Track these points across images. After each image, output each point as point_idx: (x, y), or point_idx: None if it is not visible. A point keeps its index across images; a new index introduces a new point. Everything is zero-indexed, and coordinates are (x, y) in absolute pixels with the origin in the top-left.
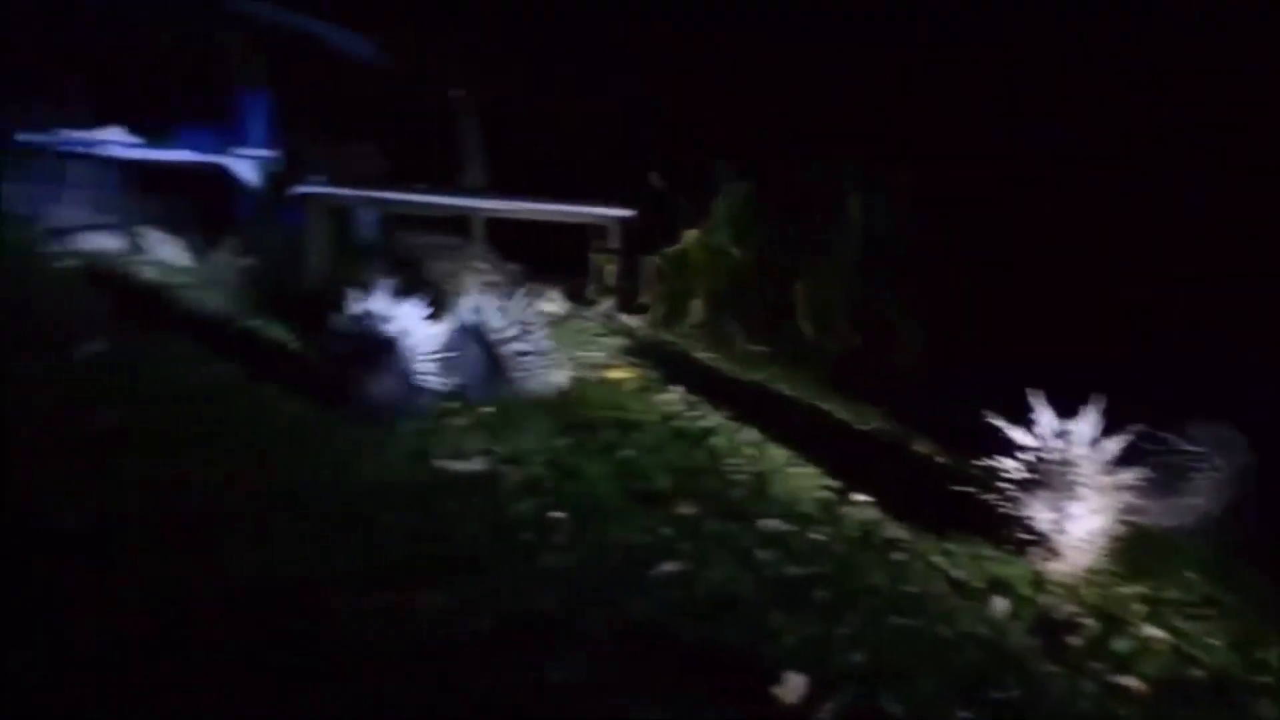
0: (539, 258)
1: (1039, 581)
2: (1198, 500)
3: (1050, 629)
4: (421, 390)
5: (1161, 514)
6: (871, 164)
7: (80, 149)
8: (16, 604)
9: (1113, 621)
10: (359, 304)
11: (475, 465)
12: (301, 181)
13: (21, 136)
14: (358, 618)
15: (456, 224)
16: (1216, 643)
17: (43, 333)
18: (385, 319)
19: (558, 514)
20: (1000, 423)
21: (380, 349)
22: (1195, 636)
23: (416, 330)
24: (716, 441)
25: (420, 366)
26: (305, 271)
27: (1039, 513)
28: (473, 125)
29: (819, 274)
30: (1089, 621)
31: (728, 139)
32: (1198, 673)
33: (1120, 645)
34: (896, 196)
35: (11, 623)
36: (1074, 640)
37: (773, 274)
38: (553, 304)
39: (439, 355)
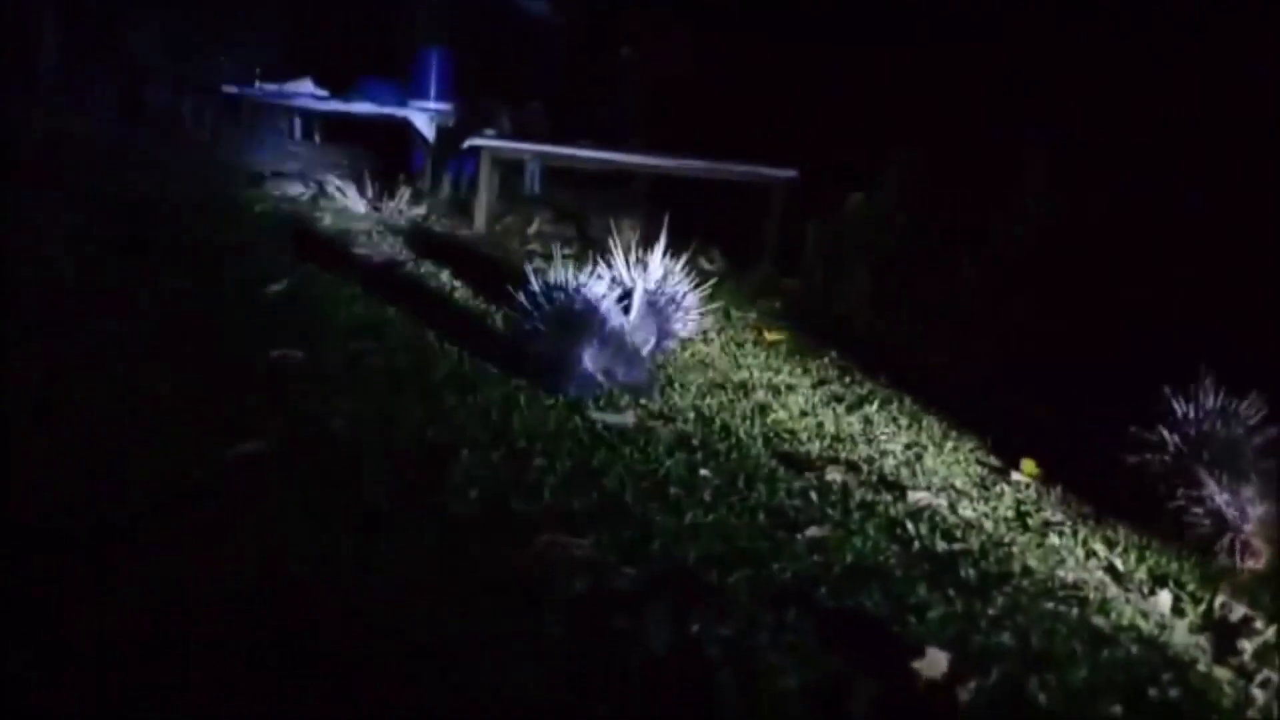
0: (702, 216)
1: (1209, 576)
2: None
3: (1218, 629)
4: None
5: None
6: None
7: (274, 99)
8: (207, 511)
9: None
10: (549, 275)
11: (628, 419)
12: (475, 134)
13: (225, 88)
14: (522, 559)
15: (621, 180)
16: None
17: (237, 273)
18: (582, 293)
19: (706, 471)
20: (1175, 403)
21: (587, 327)
22: None
23: (612, 308)
24: (870, 409)
25: (617, 345)
26: (475, 220)
27: (1211, 500)
28: (641, 83)
29: (989, 248)
30: (1263, 625)
31: (900, 107)
32: None
33: None
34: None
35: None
36: (1245, 644)
37: (940, 245)
38: (713, 264)
39: (629, 329)
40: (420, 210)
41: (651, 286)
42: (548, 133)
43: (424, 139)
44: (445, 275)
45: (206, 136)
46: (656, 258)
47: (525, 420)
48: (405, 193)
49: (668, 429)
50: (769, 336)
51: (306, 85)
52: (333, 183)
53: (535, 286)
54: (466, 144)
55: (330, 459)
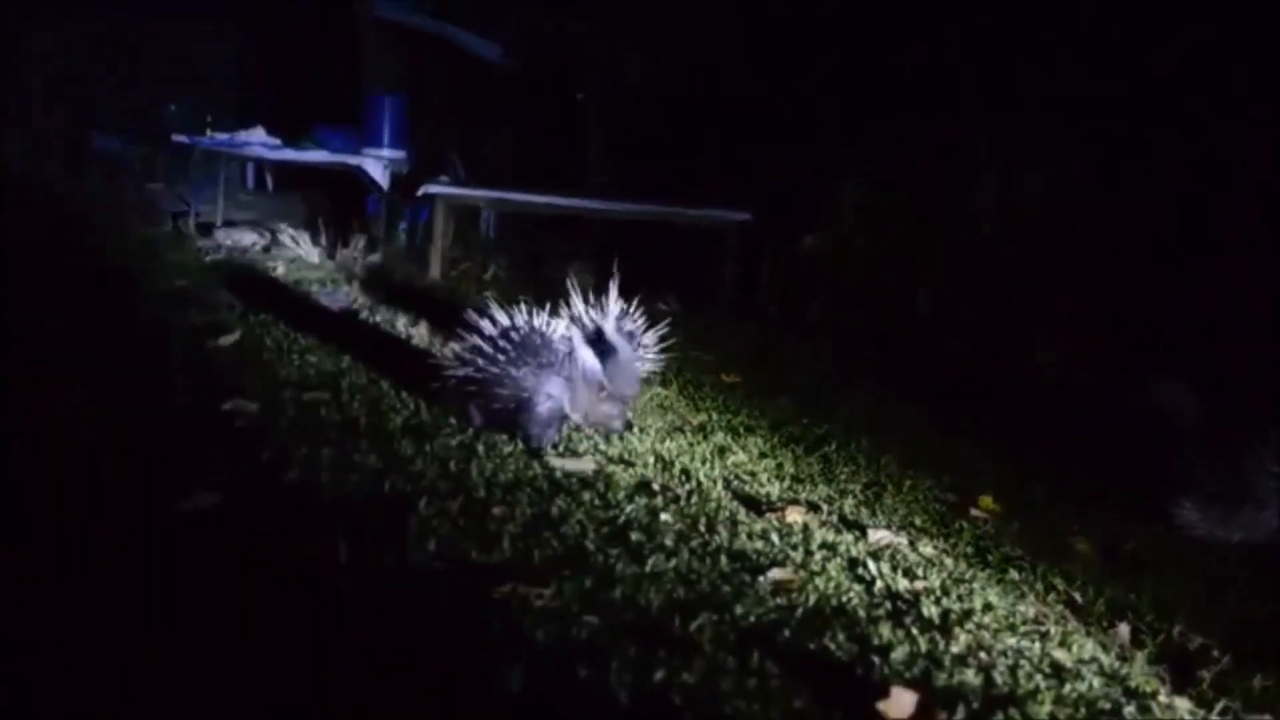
0: (658, 260)
1: (1166, 608)
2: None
3: (1177, 660)
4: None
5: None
6: (1007, 156)
7: (225, 148)
8: (139, 580)
9: (1248, 655)
10: (508, 317)
11: (587, 465)
12: (429, 181)
13: (175, 137)
14: (478, 611)
15: (578, 225)
16: None
17: (189, 322)
18: (546, 335)
19: (666, 516)
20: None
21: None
22: None
23: (581, 351)
24: (829, 449)
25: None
26: (430, 268)
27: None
28: (595, 127)
29: (946, 275)
30: (1220, 654)
31: (849, 138)
32: None
33: (1256, 681)
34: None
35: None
36: (1203, 673)
37: (896, 276)
38: (669, 306)
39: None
40: (375, 258)
41: (610, 328)
42: (503, 179)
43: (378, 186)
44: (401, 323)
45: (158, 186)
46: (616, 306)
47: (484, 468)
48: (360, 241)
49: (628, 474)
50: (727, 378)
51: (258, 134)
52: (286, 232)
53: (494, 331)
54: (421, 191)
55: (285, 511)
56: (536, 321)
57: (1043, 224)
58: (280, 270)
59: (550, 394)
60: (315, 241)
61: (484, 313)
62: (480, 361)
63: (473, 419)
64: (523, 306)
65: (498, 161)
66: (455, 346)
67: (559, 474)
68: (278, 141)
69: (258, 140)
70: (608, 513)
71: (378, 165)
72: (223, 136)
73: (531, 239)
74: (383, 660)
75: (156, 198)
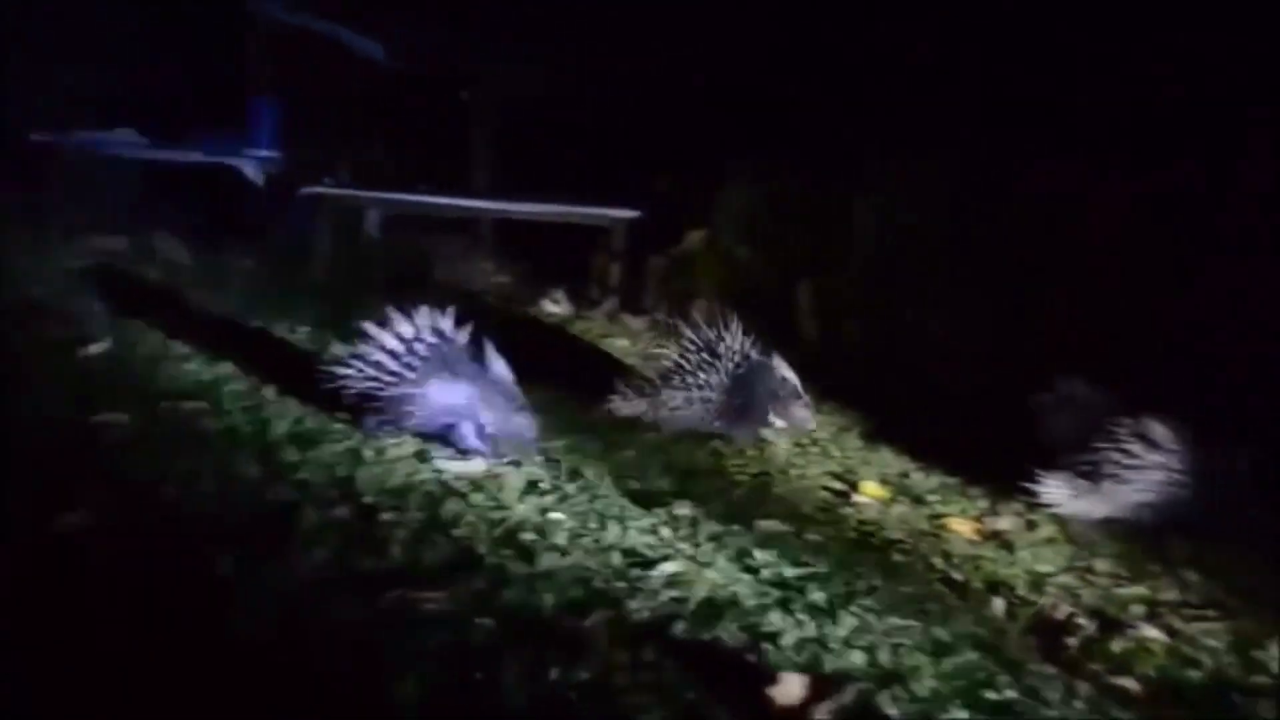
0: (548, 258)
1: (1037, 581)
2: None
3: (1047, 630)
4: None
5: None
6: (892, 161)
7: (91, 149)
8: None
9: (1110, 622)
10: (412, 325)
11: (476, 466)
12: (309, 182)
13: (36, 136)
14: (367, 618)
15: (467, 224)
16: (1215, 643)
17: (51, 333)
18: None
19: (557, 515)
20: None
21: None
22: (1193, 637)
23: (495, 361)
24: (718, 442)
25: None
26: (312, 271)
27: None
28: (481, 126)
29: (828, 274)
30: (1086, 622)
31: (737, 136)
32: (1194, 674)
33: (1117, 646)
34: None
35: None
36: (1071, 641)
37: (781, 274)
38: (559, 305)
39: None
40: (253, 262)
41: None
42: (389, 179)
43: (256, 188)
44: (283, 328)
45: (16, 189)
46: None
47: (371, 474)
48: (237, 244)
49: (518, 474)
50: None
51: (128, 134)
52: (158, 236)
53: (392, 343)
54: (302, 193)
55: (163, 527)
56: (445, 328)
57: (928, 224)
58: (151, 275)
59: (463, 407)
60: (189, 246)
61: (385, 323)
62: (386, 377)
63: (368, 427)
64: (428, 312)
65: (384, 162)
66: (352, 358)
67: (448, 476)
68: (148, 141)
69: (127, 140)
70: (499, 514)
71: (255, 166)
72: (89, 136)
73: (422, 240)
74: (269, 674)
75: (12, 201)
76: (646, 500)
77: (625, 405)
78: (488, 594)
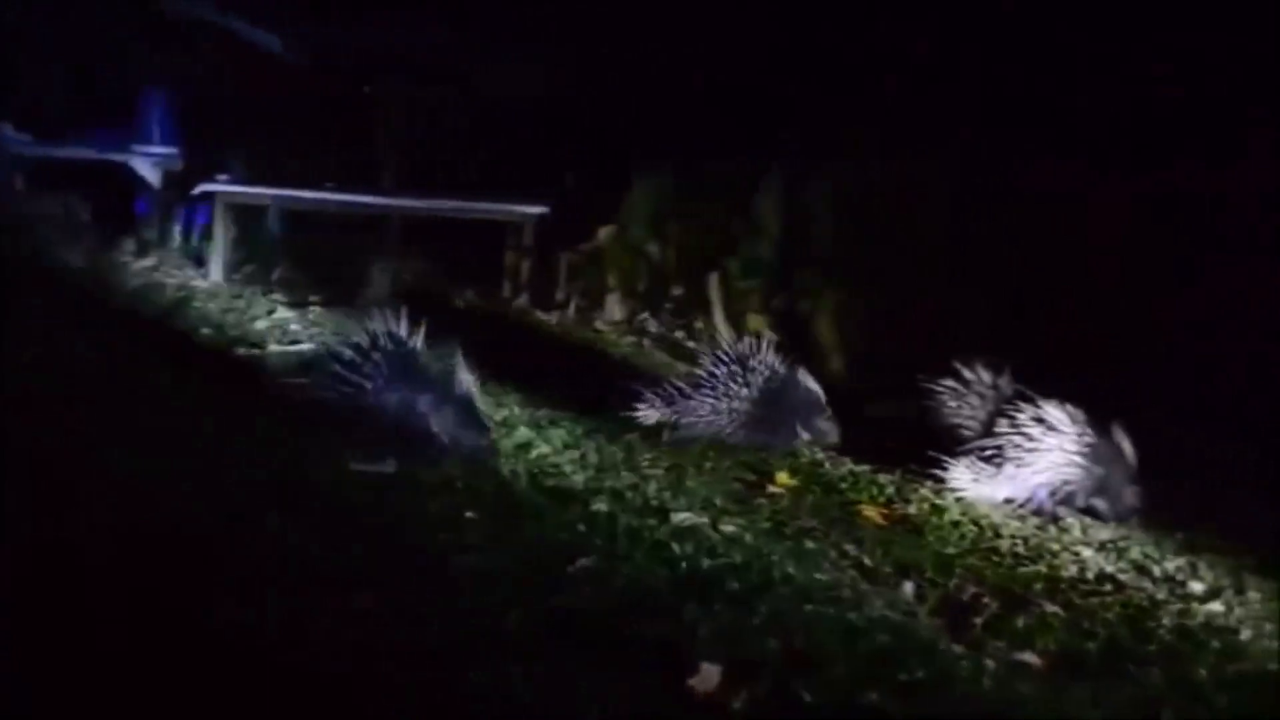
0: (455, 255)
1: (945, 563)
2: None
3: (954, 610)
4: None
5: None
6: (797, 159)
7: None
8: None
9: (1013, 600)
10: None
11: (388, 467)
12: (206, 180)
13: None
14: (284, 624)
15: (372, 222)
16: (1109, 616)
17: None
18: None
19: (472, 513)
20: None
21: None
22: (1090, 610)
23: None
24: (632, 437)
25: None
26: (210, 270)
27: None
28: (386, 122)
29: (735, 270)
30: (991, 601)
31: (646, 132)
32: (1091, 645)
33: (1020, 622)
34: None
35: None
36: (977, 620)
37: (689, 269)
38: (467, 303)
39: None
40: (148, 262)
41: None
42: (291, 176)
43: (149, 186)
44: (180, 329)
45: None
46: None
47: (276, 476)
48: (129, 244)
49: (431, 473)
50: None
51: (5, 129)
52: (44, 236)
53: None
54: (198, 190)
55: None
56: (403, 336)
57: (827, 222)
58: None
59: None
60: (77, 246)
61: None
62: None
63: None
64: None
65: (285, 158)
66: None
67: (360, 477)
68: (29, 137)
69: (8, 136)
70: (413, 514)
71: (148, 163)
72: None
73: (326, 238)
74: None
75: None
76: (563, 498)
77: (654, 411)
78: (404, 595)
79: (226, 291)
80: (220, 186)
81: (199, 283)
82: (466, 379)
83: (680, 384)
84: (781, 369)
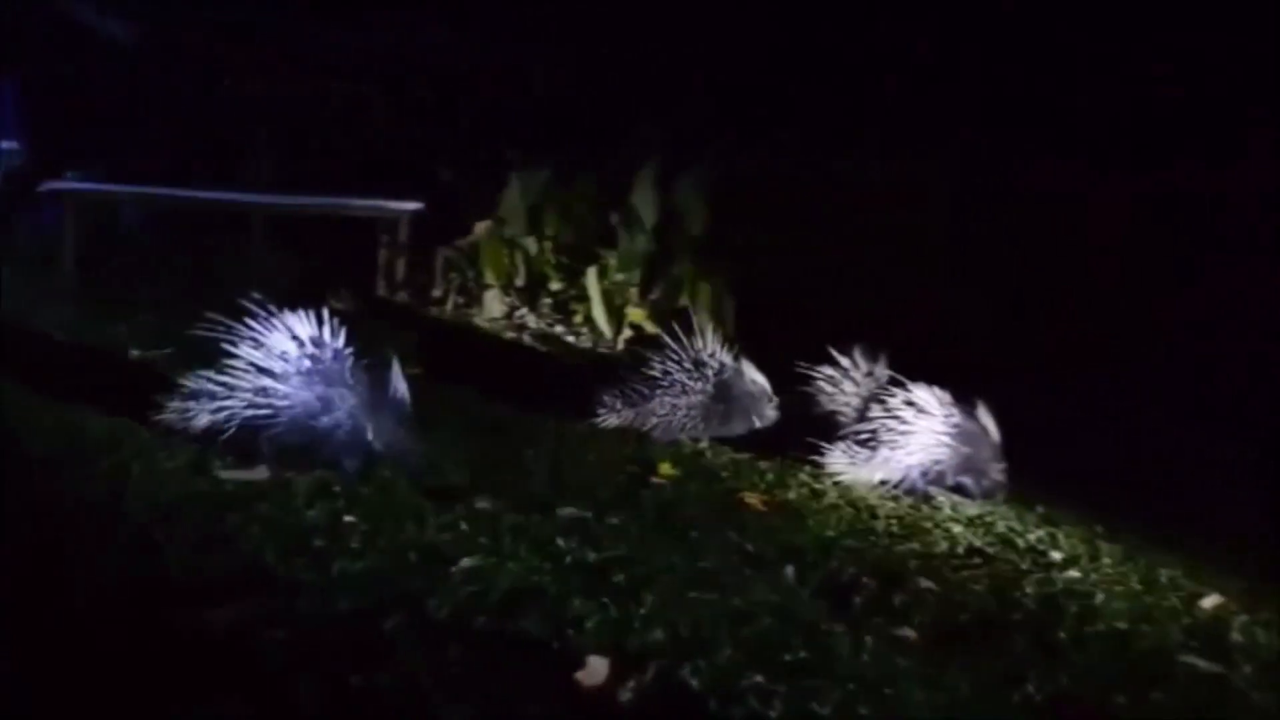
0: (327, 254)
1: (825, 546)
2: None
3: (835, 591)
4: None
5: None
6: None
7: None
8: None
9: (890, 578)
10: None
11: (260, 474)
12: (55, 176)
13: None
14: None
15: (239, 220)
16: (978, 588)
17: None
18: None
19: (350, 518)
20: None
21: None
22: (961, 584)
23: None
24: (514, 431)
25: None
26: (60, 274)
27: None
28: (254, 117)
29: (612, 262)
30: (869, 580)
31: (524, 126)
32: (963, 617)
33: (897, 599)
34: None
35: None
36: (856, 599)
37: (567, 264)
38: (342, 303)
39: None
40: None
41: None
42: (151, 172)
43: None
44: (29, 332)
45: None
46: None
47: (142, 488)
48: None
49: (305, 479)
50: (407, 370)
51: None
52: None
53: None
54: (45, 188)
55: None
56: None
57: (700, 214)
58: None
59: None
60: None
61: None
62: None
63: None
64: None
65: (144, 154)
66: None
67: (230, 486)
68: None
69: None
70: (287, 521)
71: None
72: None
73: (190, 237)
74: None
75: None
76: (443, 496)
77: (614, 416)
78: (280, 605)
79: (78, 295)
80: (68, 184)
81: (50, 286)
82: (403, 389)
83: (639, 386)
84: (729, 361)
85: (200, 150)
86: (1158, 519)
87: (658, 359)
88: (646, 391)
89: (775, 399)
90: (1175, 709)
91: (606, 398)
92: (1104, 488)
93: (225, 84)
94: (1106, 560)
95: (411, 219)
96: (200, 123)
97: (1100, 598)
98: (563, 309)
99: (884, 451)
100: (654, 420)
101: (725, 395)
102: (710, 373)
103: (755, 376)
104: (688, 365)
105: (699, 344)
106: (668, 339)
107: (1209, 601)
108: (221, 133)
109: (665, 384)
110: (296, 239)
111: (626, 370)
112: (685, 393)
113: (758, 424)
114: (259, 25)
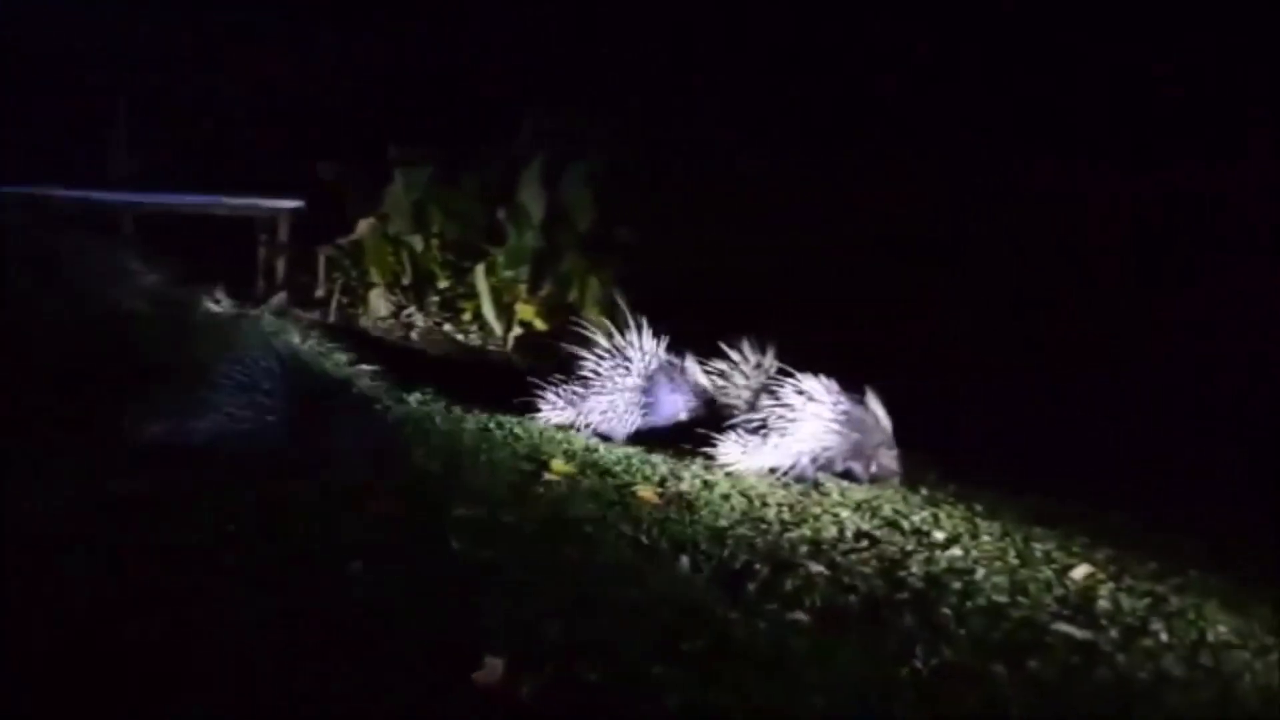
0: (204, 253)
1: (718, 535)
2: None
3: (729, 579)
4: None
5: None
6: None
7: None
8: None
9: (782, 564)
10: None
11: (140, 484)
12: None
13: None
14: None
15: (109, 220)
16: (867, 570)
17: None
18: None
19: (233, 527)
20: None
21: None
22: (849, 568)
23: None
24: (406, 430)
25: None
26: None
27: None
28: (119, 113)
29: (500, 259)
30: (761, 566)
31: (403, 122)
32: (852, 599)
33: (789, 584)
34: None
35: None
36: (750, 585)
37: (454, 261)
38: (220, 303)
39: None
40: None
41: None
42: (7, 171)
43: None
44: None
45: None
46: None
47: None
48: None
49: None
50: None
51: None
52: None
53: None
54: None
55: None
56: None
57: (587, 209)
58: None
59: None
60: None
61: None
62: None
63: None
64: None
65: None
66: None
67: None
68: None
69: None
70: (169, 534)
71: None
72: None
73: (54, 238)
74: None
75: None
76: (338, 500)
77: (555, 413)
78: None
79: None
80: None
81: None
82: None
83: (574, 386)
84: (660, 353)
85: (70, 149)
86: (1037, 493)
87: (592, 357)
88: (582, 391)
89: (708, 390)
90: (1051, 675)
91: (548, 396)
92: (986, 467)
93: (89, 79)
94: (986, 538)
95: (292, 217)
96: (62, 119)
97: (980, 573)
98: (450, 307)
99: (774, 439)
100: (595, 417)
101: (653, 388)
102: (639, 365)
103: (686, 365)
104: (620, 361)
105: (629, 338)
106: (599, 334)
107: (1079, 572)
108: (85, 129)
109: (597, 382)
110: (169, 241)
111: (559, 367)
112: (618, 389)
113: (685, 416)
114: (138, 22)
